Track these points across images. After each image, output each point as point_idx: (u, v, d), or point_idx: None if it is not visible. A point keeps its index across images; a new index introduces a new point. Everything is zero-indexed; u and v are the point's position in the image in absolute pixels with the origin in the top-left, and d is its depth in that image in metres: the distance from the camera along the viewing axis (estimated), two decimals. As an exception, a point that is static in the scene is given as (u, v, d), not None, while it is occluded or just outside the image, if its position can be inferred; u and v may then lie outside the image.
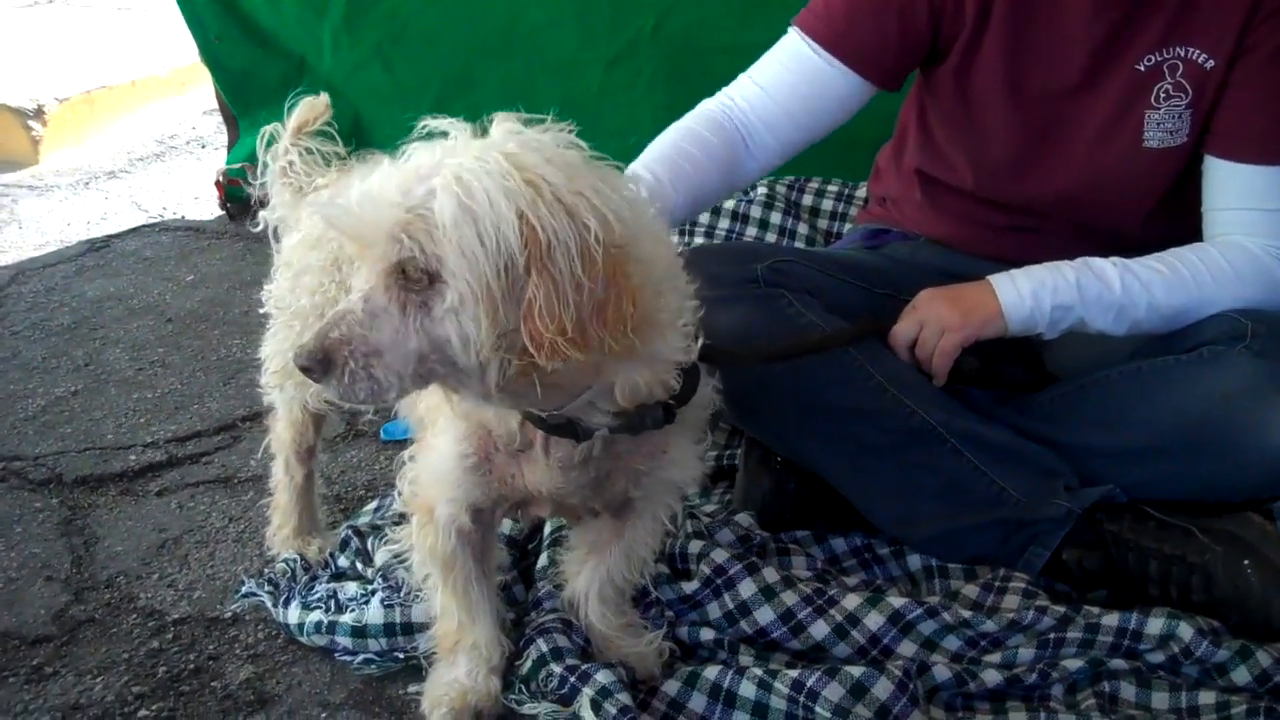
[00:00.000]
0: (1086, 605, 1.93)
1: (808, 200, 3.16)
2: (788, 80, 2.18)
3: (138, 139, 5.39)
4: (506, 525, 2.12)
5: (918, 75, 2.28)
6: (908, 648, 1.87)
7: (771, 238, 3.01)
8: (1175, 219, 2.17)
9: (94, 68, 5.70)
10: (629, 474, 1.67)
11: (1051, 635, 1.85)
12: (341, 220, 1.39)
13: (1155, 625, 1.83)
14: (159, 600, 2.15)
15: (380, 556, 2.11)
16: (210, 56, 4.04)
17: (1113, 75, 2.10)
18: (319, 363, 1.36)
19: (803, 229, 3.06)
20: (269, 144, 2.11)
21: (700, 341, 1.59)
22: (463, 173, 1.33)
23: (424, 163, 1.37)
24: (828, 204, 3.13)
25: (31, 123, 5.04)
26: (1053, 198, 2.20)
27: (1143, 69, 2.07)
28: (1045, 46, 2.11)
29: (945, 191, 2.32)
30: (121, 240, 4.11)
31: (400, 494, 1.81)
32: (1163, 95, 2.08)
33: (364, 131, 3.77)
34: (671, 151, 2.10)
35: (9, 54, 6.02)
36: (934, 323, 2.01)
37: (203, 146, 5.30)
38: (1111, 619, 1.86)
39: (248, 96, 4.09)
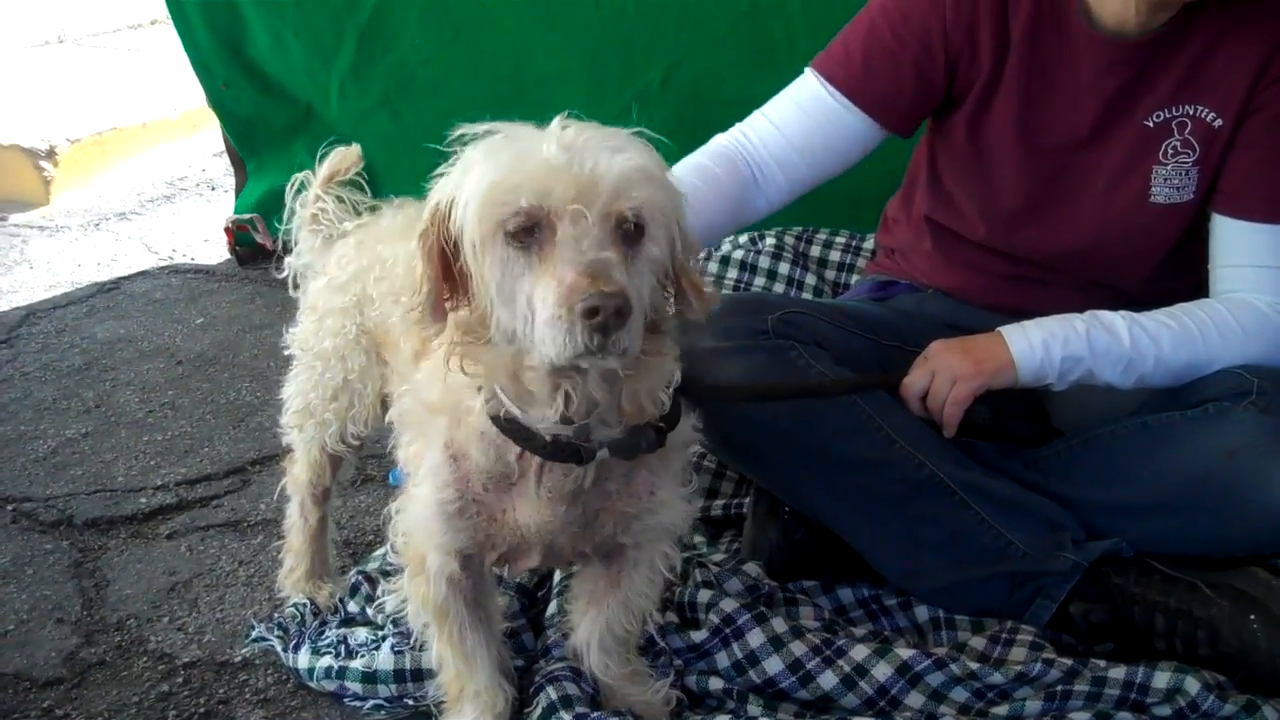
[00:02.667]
0: (1093, 658, 1.93)
1: (816, 251, 3.18)
2: (802, 120, 2.20)
3: (148, 181, 5.42)
4: (515, 572, 2.13)
5: (929, 122, 2.31)
6: (916, 699, 1.87)
7: (779, 288, 3.03)
8: (1180, 274, 2.20)
9: (105, 109, 5.74)
10: (617, 517, 1.67)
11: (1059, 688, 1.85)
12: (557, 171, 1.35)
13: (1162, 679, 1.84)
14: (169, 644, 2.16)
15: (390, 602, 2.11)
16: (217, 102, 4.08)
17: (1122, 130, 2.12)
18: (628, 302, 1.30)
19: (810, 280, 3.08)
20: (298, 191, 2.14)
21: (680, 368, 1.61)
22: (626, 140, 1.41)
23: (567, 134, 1.40)
24: (835, 255, 3.16)
25: (43, 163, 5.08)
26: (1059, 249, 2.22)
27: (1151, 125, 2.10)
28: (1057, 99, 2.13)
29: (954, 239, 2.34)
30: (131, 282, 4.14)
31: (394, 547, 1.81)
32: (1170, 152, 2.10)
33: (372, 179, 3.79)
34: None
35: (21, 94, 6.07)
36: (946, 372, 2.02)
37: (212, 189, 5.33)
38: (1118, 672, 1.87)
39: (255, 142, 4.14)
